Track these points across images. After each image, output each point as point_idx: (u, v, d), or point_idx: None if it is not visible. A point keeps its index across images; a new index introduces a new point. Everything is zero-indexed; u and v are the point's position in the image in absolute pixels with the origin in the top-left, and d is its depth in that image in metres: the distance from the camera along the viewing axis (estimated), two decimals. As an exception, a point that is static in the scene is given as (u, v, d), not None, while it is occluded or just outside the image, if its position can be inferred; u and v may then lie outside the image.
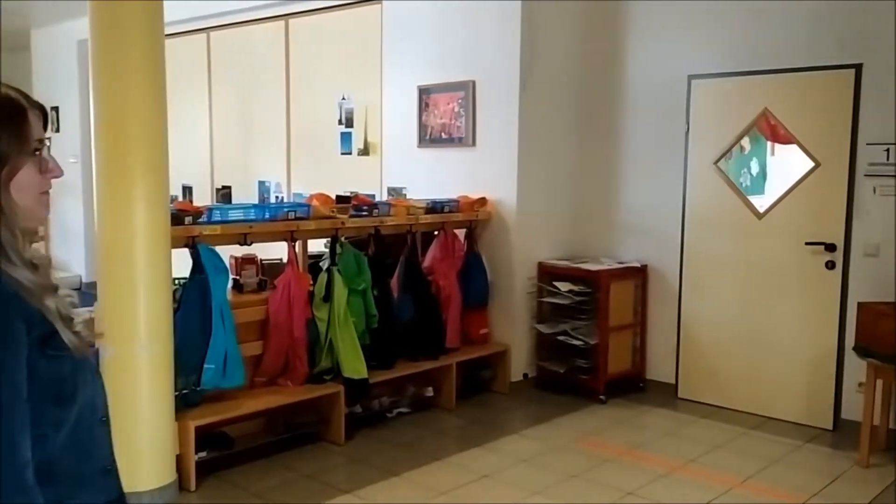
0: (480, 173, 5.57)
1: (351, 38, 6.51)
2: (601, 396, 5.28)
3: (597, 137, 5.73)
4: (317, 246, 4.92)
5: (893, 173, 4.46)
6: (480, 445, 4.50)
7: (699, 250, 5.28)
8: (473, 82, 5.55)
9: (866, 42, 4.51)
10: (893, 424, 4.47)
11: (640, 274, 5.50)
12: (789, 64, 4.80)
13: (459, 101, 5.64)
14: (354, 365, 4.48)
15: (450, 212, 5.30)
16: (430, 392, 5.05)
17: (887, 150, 4.48)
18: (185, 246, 4.00)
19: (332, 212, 4.66)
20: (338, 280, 4.49)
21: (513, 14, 5.29)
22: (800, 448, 4.50)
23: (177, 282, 3.96)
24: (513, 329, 5.50)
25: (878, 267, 4.54)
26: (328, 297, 4.46)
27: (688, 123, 5.28)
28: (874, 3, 4.45)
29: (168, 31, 3.86)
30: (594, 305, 5.30)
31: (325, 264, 4.59)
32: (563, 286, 5.33)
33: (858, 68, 4.56)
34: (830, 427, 4.76)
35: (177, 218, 3.90)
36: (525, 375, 5.58)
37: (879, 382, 4.21)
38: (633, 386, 5.54)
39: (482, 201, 5.49)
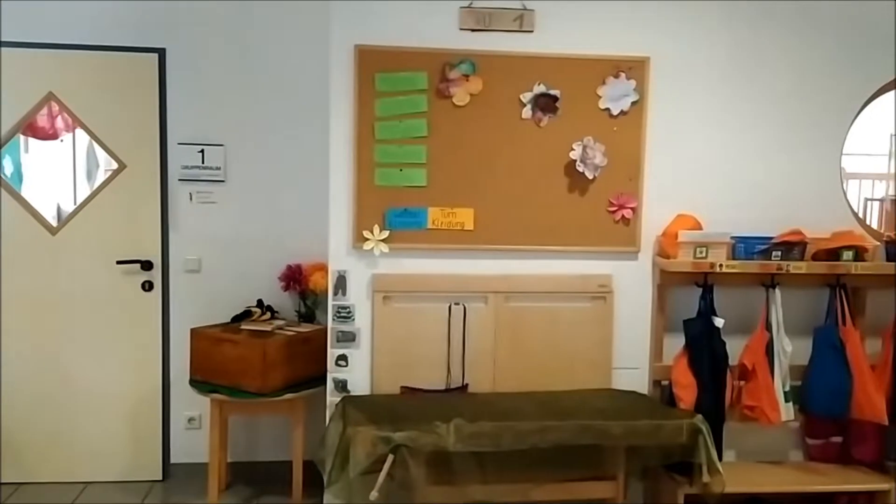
0: None
1: None
2: None
3: None
4: None
5: (210, 178, 3.96)
6: None
7: (-29, 280, 3.85)
8: None
9: (170, 23, 3.86)
10: (231, 458, 4.01)
11: None
12: (79, 39, 3.81)
13: None
14: None
15: None
16: None
17: (202, 151, 3.94)
18: None
19: None
20: None
21: None
22: (135, 516, 3.64)
23: None
24: None
25: (202, 284, 3.98)
26: None
27: (-66, 104, 3.77)
28: (177, -20, 3.85)
29: None
30: None
31: None
32: None
33: (162, 53, 3.89)
34: (160, 477, 4.03)
35: None
36: None
37: (219, 418, 3.66)
38: None
39: None
